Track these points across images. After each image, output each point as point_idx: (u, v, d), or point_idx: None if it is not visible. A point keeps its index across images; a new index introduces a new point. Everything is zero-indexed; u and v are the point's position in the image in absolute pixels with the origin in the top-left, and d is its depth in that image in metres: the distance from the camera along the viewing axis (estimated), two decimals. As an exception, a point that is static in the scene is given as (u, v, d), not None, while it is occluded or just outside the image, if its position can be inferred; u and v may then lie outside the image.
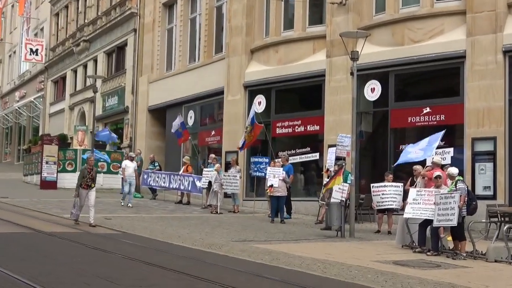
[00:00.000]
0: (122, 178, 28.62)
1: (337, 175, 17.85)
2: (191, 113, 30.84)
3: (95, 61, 41.92)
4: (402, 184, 18.45)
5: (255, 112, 23.80)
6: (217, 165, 23.84)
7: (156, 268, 10.92)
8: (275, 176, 20.65)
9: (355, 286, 10.28)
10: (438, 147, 18.21)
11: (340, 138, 19.40)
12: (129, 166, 24.23)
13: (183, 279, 10.00)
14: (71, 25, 46.92)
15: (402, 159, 18.21)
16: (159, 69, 34.14)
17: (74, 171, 33.13)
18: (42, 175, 32.40)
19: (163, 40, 34.09)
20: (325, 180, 19.67)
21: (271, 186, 20.64)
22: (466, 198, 14.09)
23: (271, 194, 20.77)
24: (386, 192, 18.59)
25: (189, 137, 27.69)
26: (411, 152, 17.87)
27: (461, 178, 14.78)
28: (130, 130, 35.88)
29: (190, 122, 30.41)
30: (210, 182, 23.53)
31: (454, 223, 13.75)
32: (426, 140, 17.66)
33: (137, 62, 35.74)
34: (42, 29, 52.91)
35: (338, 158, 20.31)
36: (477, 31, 19.89)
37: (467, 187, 14.69)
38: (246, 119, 25.75)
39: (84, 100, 42.59)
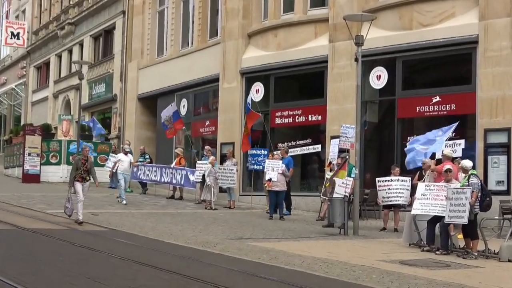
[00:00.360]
0: (113, 172, 28.73)
1: (341, 169, 17.90)
2: (184, 102, 30.84)
3: (81, 45, 41.87)
4: (409, 178, 18.47)
5: (252, 100, 23.80)
6: (212, 157, 23.87)
7: (147, 267, 10.96)
8: (273, 170, 20.67)
9: (359, 287, 10.33)
10: (448, 139, 18.27)
11: (343, 129, 19.41)
12: (123, 160, 24.23)
13: (175, 279, 10.05)
14: (55, 6, 46.84)
15: (412, 159, 18.22)
16: (150, 54, 34.11)
17: (58, 163, 33.22)
18: (24, 168, 32.43)
19: (154, 23, 34.04)
20: (327, 174, 19.71)
21: (270, 180, 20.68)
22: (479, 194, 14.11)
23: (270, 189, 20.81)
24: (392, 187, 18.62)
25: (183, 127, 27.69)
26: (419, 151, 17.95)
27: (475, 172, 14.81)
28: (119, 119, 35.88)
29: (183, 111, 30.41)
30: (204, 176, 23.53)
31: (465, 220, 13.79)
32: (436, 131, 17.69)
33: (126, 47, 35.70)
34: (23, 11, 52.79)
35: (341, 151, 20.34)
36: (491, 15, 19.88)
37: (481, 181, 14.72)
38: (242, 107, 25.82)
39: (69, 88, 42.56)
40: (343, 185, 17.94)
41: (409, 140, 20.10)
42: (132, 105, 34.77)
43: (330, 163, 21.05)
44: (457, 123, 17.94)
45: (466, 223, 13.85)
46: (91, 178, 18.01)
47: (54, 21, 46.24)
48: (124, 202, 23.01)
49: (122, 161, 24.18)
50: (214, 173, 22.89)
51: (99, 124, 35.05)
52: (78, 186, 17.59)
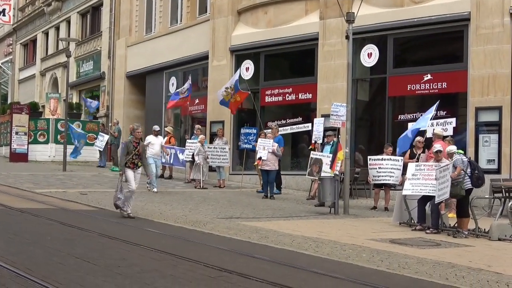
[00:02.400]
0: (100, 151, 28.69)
1: (338, 149, 17.93)
2: (173, 80, 30.80)
3: (68, 22, 41.67)
4: (401, 158, 18.53)
5: (240, 76, 23.70)
6: (201, 136, 23.83)
7: (136, 247, 11.01)
8: (264, 148, 20.69)
9: (349, 266, 10.40)
10: (439, 117, 18.36)
11: (334, 107, 19.41)
12: (154, 143, 21.73)
13: (165, 259, 10.09)
14: (41, -17, 46.54)
15: (405, 143, 18.31)
16: (138, 31, 33.99)
17: (46, 142, 33.18)
18: (12, 147, 32.38)
19: (142, 0, 33.87)
20: (312, 154, 19.73)
21: (260, 158, 20.72)
22: (468, 170, 14.06)
23: (260, 168, 20.87)
24: (383, 166, 18.68)
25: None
26: (408, 135, 18.09)
27: (460, 151, 14.79)
28: (107, 98, 35.83)
29: (172, 89, 30.36)
30: (193, 155, 23.53)
31: (446, 195, 13.88)
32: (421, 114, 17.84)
33: (114, 24, 35.57)
34: (9, -13, 52.42)
35: (326, 129, 20.45)
36: (483, -9, 19.91)
37: (469, 158, 14.78)
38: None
39: (56, 65, 42.40)
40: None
41: (400, 118, 20.18)
42: (120, 83, 34.70)
43: (314, 142, 21.12)
44: (437, 102, 17.96)
45: (448, 197, 13.93)
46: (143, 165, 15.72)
47: (40, -3, 45.95)
48: (154, 189, 20.72)
49: (153, 144, 21.60)
50: (203, 152, 22.89)
51: (89, 101, 34.83)
52: (130, 173, 15.22)
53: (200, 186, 22.68)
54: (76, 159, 31.00)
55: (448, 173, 13.94)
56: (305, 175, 19.67)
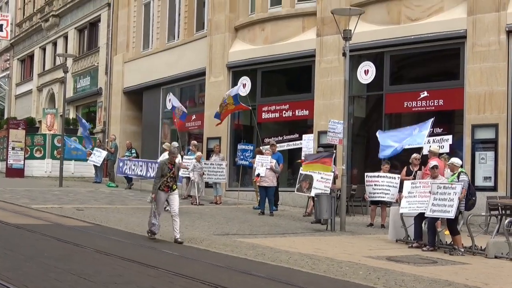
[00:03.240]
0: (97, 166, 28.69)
1: (327, 162, 17.95)
2: (170, 96, 30.77)
3: (66, 38, 41.72)
4: (398, 176, 18.56)
5: (239, 94, 23.74)
6: (199, 153, 23.75)
7: (132, 263, 10.99)
8: (263, 165, 20.70)
9: (346, 284, 10.40)
10: (435, 134, 18.39)
11: (331, 124, 19.38)
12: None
13: (161, 275, 10.08)
14: (39, -2, 46.64)
15: (387, 150, 18.37)
16: (135, 47, 34.05)
17: (43, 158, 33.16)
18: (8, 162, 32.33)
19: (139, 16, 33.97)
20: (301, 170, 19.79)
21: (258, 175, 20.73)
22: (466, 192, 14.26)
23: (258, 184, 20.87)
24: (379, 183, 18.69)
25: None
26: (394, 147, 18.10)
27: (464, 170, 14.94)
28: (104, 113, 35.82)
29: (169, 106, 30.35)
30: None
31: (452, 215, 13.90)
32: (414, 127, 17.81)
33: (111, 40, 35.62)
34: (7, 3, 52.56)
35: (321, 146, 20.57)
36: (479, 9, 20.00)
37: (469, 180, 14.83)
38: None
39: (53, 81, 42.39)
40: (323, 180, 18.04)
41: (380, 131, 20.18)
42: (117, 99, 34.70)
43: (304, 159, 21.14)
44: (433, 118, 17.99)
45: (453, 217, 13.97)
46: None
47: (38, 13, 46.04)
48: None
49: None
50: (199, 168, 22.85)
51: (83, 120, 34.82)
52: (162, 196, 14.45)
53: (196, 202, 22.64)
54: (73, 174, 30.95)
55: (453, 193, 13.92)
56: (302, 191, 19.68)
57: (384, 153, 18.94)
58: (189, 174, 23.09)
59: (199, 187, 22.85)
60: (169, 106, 26.83)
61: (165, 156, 19.77)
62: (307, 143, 21.63)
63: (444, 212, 14.02)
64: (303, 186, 19.21)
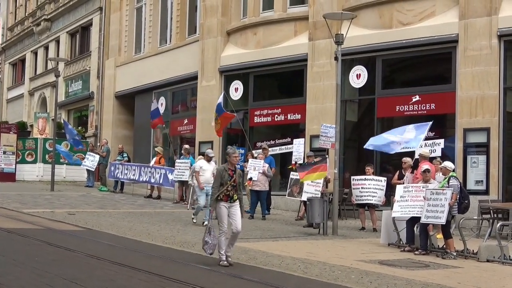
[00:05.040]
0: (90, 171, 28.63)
1: (321, 168, 17.95)
2: (162, 100, 30.81)
3: (57, 42, 41.68)
4: (385, 178, 18.66)
5: (224, 98, 23.74)
6: (200, 157, 23.12)
7: (124, 268, 10.96)
8: (255, 169, 20.68)
9: (338, 288, 10.40)
10: (427, 138, 18.39)
11: (324, 129, 19.34)
12: (206, 169, 18.67)
13: (153, 280, 10.05)
14: (30, 2, 46.59)
15: (376, 143, 18.21)
16: (127, 51, 34.03)
17: (34, 162, 33.09)
18: (-1, 167, 32.24)
19: (131, 20, 33.97)
20: (292, 174, 19.76)
21: (250, 179, 20.71)
22: (458, 196, 14.27)
23: (251, 188, 20.85)
24: (365, 186, 18.73)
25: (163, 125, 27.48)
26: (390, 144, 17.96)
27: (455, 174, 14.95)
28: (96, 117, 35.79)
29: (161, 109, 30.34)
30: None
31: (443, 221, 13.92)
32: (410, 127, 17.72)
33: (103, 44, 35.61)
34: (-2, 7, 52.50)
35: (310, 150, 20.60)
36: (471, 14, 20.05)
37: (460, 184, 14.85)
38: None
39: (45, 85, 42.35)
40: (313, 184, 18.04)
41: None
42: (109, 103, 34.67)
43: (295, 163, 21.16)
44: (431, 122, 17.99)
45: (444, 223, 13.99)
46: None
47: (29, 17, 46.00)
48: (206, 222, 16.72)
49: (204, 170, 18.65)
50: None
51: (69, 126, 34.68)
52: (223, 210, 12.14)
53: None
54: (64, 179, 30.88)
55: (444, 198, 13.96)
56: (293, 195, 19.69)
57: (369, 144, 18.52)
58: (188, 178, 22.81)
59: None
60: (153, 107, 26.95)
61: (203, 164, 18.72)
62: (298, 147, 21.65)
63: (436, 218, 14.04)
64: (294, 191, 19.23)
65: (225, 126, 24.42)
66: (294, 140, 22.30)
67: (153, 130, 30.47)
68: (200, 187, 18.36)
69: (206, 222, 17.13)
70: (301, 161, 21.13)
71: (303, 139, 22.45)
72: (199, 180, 18.39)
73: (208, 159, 18.77)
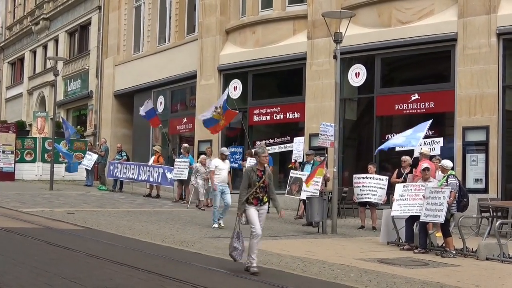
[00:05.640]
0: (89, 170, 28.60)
1: (319, 166, 17.98)
2: (161, 99, 30.80)
3: (56, 41, 41.65)
4: (386, 177, 18.63)
5: (228, 96, 23.72)
6: (203, 156, 22.84)
7: (123, 267, 10.94)
8: (253, 168, 20.58)
9: (337, 286, 10.38)
10: (426, 137, 18.39)
11: (323, 127, 19.34)
12: (222, 168, 18.17)
13: (153, 279, 10.04)
14: (29, 1, 46.55)
15: (384, 145, 18.40)
16: (126, 50, 34.01)
17: (33, 161, 33.05)
18: (-2, 166, 32.21)
19: (130, 19, 33.94)
20: (292, 172, 19.74)
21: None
22: (456, 194, 14.27)
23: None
24: (366, 185, 18.76)
25: (160, 125, 27.52)
26: (394, 139, 18.09)
27: (453, 173, 14.95)
28: (95, 116, 35.76)
29: (160, 108, 30.39)
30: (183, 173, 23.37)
31: (441, 219, 13.91)
32: (411, 130, 17.79)
33: (102, 43, 35.59)
34: (-3, 6, 52.45)
35: (309, 149, 20.58)
36: (470, 12, 20.06)
37: (459, 182, 14.85)
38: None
39: (44, 84, 42.32)
40: (313, 182, 18.03)
41: (388, 138, 20.21)
42: (108, 102, 34.65)
43: (295, 161, 21.14)
44: (430, 121, 18.00)
45: (443, 222, 13.98)
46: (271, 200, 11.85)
47: (28, 16, 45.96)
48: (222, 224, 17.58)
49: (220, 170, 18.15)
50: (202, 173, 22.06)
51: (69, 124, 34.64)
52: (253, 212, 11.44)
53: (203, 207, 22.19)
54: (64, 178, 30.86)
55: (443, 197, 13.95)
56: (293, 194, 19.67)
57: (380, 147, 18.70)
58: (191, 177, 22.75)
59: (202, 192, 22.36)
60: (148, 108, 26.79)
61: (218, 163, 18.18)
62: (298, 146, 21.63)
63: (435, 216, 14.03)
64: (293, 189, 19.21)
65: (228, 123, 24.30)
66: (295, 138, 22.27)
67: (152, 129, 30.45)
68: (214, 187, 18.17)
69: (215, 225, 17.41)
70: (301, 160, 21.11)
71: (303, 137, 22.44)
72: (213, 180, 18.04)
73: (223, 158, 18.34)
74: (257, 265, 11.13)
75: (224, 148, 19.43)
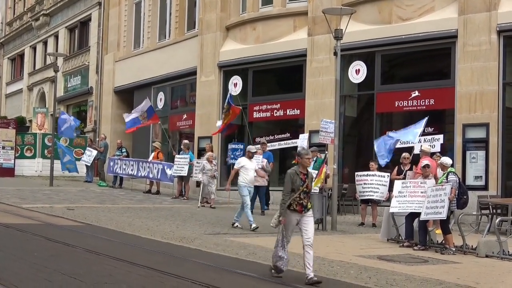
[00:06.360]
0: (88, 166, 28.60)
1: (322, 167, 17.95)
2: (161, 95, 30.79)
3: (56, 37, 41.62)
4: (388, 174, 18.60)
5: (231, 94, 23.77)
6: (210, 153, 22.78)
7: (123, 263, 10.94)
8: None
9: (337, 283, 10.38)
10: (427, 134, 18.40)
11: (323, 124, 19.28)
12: (249, 167, 17.12)
13: (152, 275, 10.04)
14: (29, -3, 46.52)
15: (386, 150, 18.35)
16: (126, 46, 33.98)
17: (33, 157, 33.06)
18: (-2, 162, 32.22)
19: (130, 15, 33.91)
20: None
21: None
22: (456, 191, 14.28)
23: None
24: (368, 182, 18.75)
25: (159, 121, 27.46)
26: (390, 143, 18.08)
27: (453, 170, 14.97)
28: (95, 113, 35.76)
29: (160, 104, 30.38)
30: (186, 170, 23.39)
31: (443, 216, 13.91)
32: (408, 127, 17.82)
33: (102, 39, 35.57)
34: (-3, 2, 52.42)
35: (310, 146, 20.51)
36: (470, 9, 20.04)
37: (459, 179, 14.85)
38: (220, 101, 25.85)
39: (44, 80, 42.30)
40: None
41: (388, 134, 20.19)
42: (108, 98, 34.64)
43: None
44: (427, 118, 17.99)
45: (445, 218, 13.98)
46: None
47: (28, 12, 45.93)
48: (253, 225, 16.74)
49: (247, 169, 17.10)
50: (208, 170, 22.04)
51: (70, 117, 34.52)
52: (293, 218, 10.62)
53: (211, 204, 22.13)
54: (64, 174, 30.88)
55: (443, 193, 13.95)
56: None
57: (384, 159, 18.69)
58: (198, 175, 22.74)
59: (209, 190, 22.37)
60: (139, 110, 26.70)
61: (245, 162, 17.13)
62: (302, 142, 21.54)
63: (436, 213, 14.04)
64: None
65: (233, 120, 24.25)
66: (300, 135, 22.16)
67: (152, 125, 30.42)
68: (226, 189, 18.07)
69: (237, 224, 17.00)
70: None
71: (307, 134, 22.34)
72: (231, 178, 17.58)
73: (250, 156, 17.24)
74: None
75: (251, 146, 18.21)
